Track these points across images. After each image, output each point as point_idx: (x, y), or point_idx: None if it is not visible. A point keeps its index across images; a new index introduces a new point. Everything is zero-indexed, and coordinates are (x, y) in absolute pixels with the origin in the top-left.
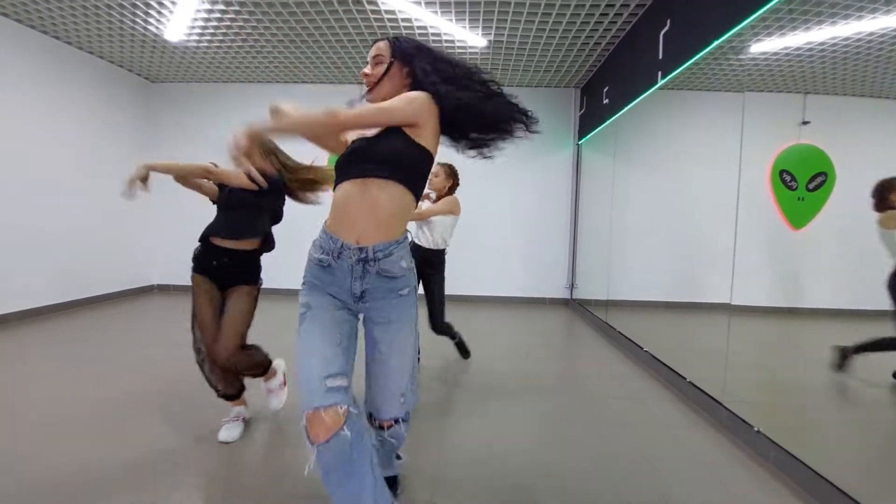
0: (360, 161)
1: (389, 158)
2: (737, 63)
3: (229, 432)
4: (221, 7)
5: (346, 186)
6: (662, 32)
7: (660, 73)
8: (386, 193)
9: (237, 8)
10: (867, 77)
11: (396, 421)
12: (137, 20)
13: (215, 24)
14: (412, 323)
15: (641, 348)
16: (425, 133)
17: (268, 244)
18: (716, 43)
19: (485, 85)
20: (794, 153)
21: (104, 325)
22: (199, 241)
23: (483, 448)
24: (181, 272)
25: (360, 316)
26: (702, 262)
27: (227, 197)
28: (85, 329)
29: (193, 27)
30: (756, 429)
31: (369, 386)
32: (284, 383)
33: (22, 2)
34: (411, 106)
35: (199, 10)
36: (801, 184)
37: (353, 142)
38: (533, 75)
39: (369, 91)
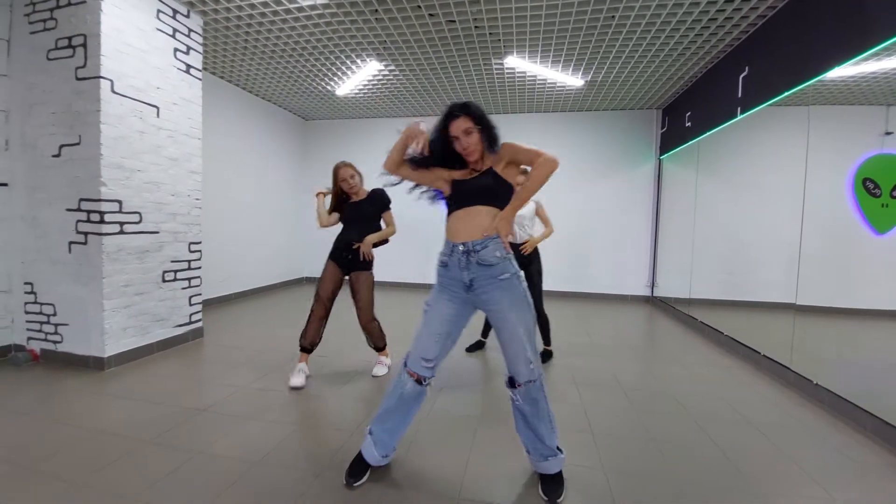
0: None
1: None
2: (829, 82)
3: (297, 379)
4: (387, 70)
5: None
6: (742, 76)
7: (739, 109)
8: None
9: (396, 71)
10: None
11: (524, 384)
12: (323, 82)
13: (376, 82)
14: (519, 301)
15: (722, 333)
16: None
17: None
18: (788, 93)
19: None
20: (878, 162)
21: (277, 302)
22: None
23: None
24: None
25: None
26: (774, 265)
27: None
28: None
29: (359, 85)
30: (815, 382)
31: (504, 354)
32: (387, 367)
33: (234, 67)
34: None
35: (371, 74)
36: (886, 191)
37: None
38: (620, 101)
39: (472, 159)
